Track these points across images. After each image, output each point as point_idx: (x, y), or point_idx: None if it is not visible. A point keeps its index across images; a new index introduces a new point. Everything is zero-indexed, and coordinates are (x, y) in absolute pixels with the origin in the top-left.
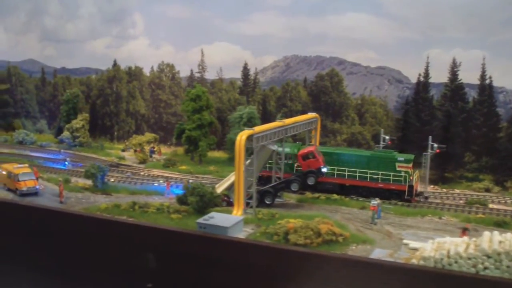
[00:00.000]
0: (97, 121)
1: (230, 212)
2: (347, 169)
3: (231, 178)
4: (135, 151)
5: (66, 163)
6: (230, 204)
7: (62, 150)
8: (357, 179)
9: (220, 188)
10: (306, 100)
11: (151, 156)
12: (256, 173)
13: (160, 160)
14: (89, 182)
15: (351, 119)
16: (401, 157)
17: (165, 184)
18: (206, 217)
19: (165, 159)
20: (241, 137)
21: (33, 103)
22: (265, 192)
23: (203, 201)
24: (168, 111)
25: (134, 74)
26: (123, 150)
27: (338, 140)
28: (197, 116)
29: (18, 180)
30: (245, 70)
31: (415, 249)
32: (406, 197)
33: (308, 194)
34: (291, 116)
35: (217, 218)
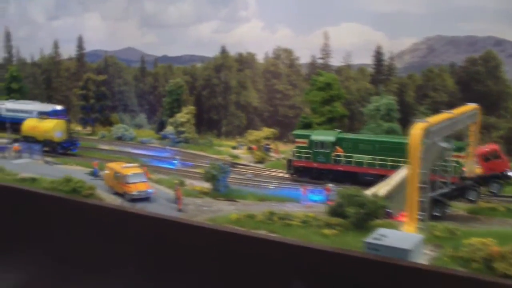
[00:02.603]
0: (203, 115)
1: (391, 226)
2: (389, 158)
3: (391, 182)
4: (250, 148)
5: (175, 162)
6: (389, 215)
7: (167, 147)
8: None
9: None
10: (453, 89)
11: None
12: (427, 177)
13: (280, 159)
14: (206, 185)
15: (511, 111)
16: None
17: (301, 189)
18: (376, 235)
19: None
20: (417, 130)
21: (132, 96)
22: (435, 201)
23: (364, 212)
24: (285, 103)
25: (245, 61)
26: (235, 148)
27: (493, 136)
28: (327, 108)
29: (128, 183)
30: (378, 54)
31: None
32: None
33: (482, 204)
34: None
35: (390, 236)
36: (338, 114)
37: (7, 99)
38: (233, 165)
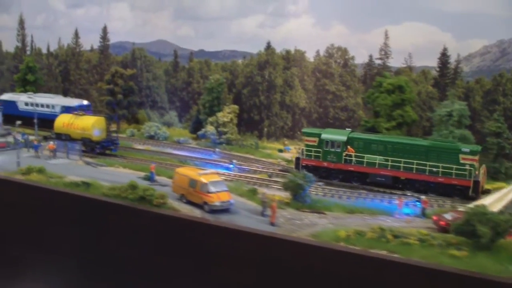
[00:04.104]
0: (242, 115)
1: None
2: (402, 160)
3: (505, 197)
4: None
5: (232, 166)
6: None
7: (217, 149)
8: (413, 171)
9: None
10: None
11: None
12: None
13: None
14: (283, 194)
15: None
16: (466, 148)
17: (396, 201)
18: None
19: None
20: None
21: (162, 91)
22: None
23: (495, 232)
24: (337, 105)
25: (293, 59)
26: (281, 151)
27: None
28: (398, 112)
29: (208, 192)
30: (444, 57)
31: None
32: (470, 194)
33: None
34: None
35: None
36: (410, 119)
37: (21, 91)
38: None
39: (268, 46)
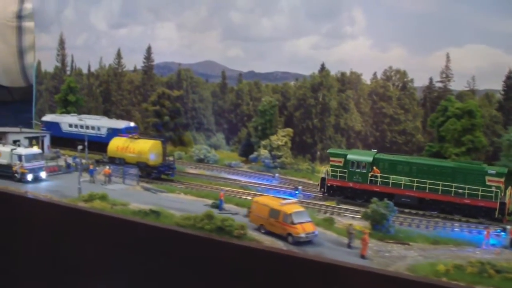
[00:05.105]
0: (294, 138)
1: None
2: (428, 181)
3: None
4: None
5: (297, 192)
6: None
7: (276, 175)
8: (439, 193)
9: None
10: None
11: None
12: None
13: None
14: (354, 222)
15: None
16: (492, 170)
17: (483, 232)
18: None
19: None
20: None
21: (208, 113)
22: None
23: None
24: (395, 128)
25: (348, 81)
26: None
27: None
28: (468, 137)
29: (293, 223)
30: (509, 80)
31: None
32: (496, 216)
33: None
34: None
35: None
36: (481, 145)
37: (62, 112)
38: None
39: (323, 68)
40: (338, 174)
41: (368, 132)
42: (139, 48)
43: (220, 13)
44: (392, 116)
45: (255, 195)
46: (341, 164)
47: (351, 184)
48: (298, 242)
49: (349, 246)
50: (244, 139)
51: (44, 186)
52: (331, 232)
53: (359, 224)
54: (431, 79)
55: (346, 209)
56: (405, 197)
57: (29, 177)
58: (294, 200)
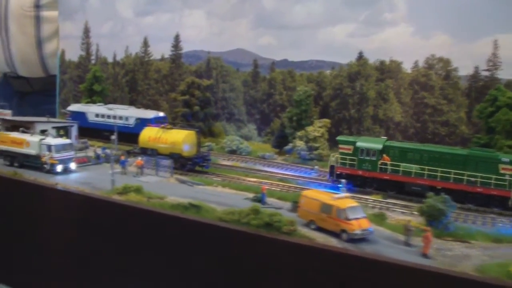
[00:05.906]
0: (330, 129)
1: None
2: (439, 169)
3: None
4: None
5: (340, 185)
6: None
7: (316, 167)
8: (451, 181)
9: None
10: None
11: None
12: None
13: None
14: (406, 218)
15: None
16: (505, 157)
17: None
18: None
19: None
20: None
21: (239, 103)
22: None
23: None
24: (437, 119)
25: (388, 70)
26: None
27: None
28: None
29: (348, 219)
30: None
31: None
32: (510, 204)
33: None
34: None
35: None
36: None
37: (87, 102)
38: None
39: (360, 56)
40: (348, 161)
41: (409, 123)
42: (166, 36)
43: (251, 0)
44: (435, 106)
45: (296, 188)
46: (351, 152)
47: (360, 172)
48: (353, 239)
49: (407, 243)
50: (278, 130)
51: (74, 177)
52: (383, 228)
53: (412, 219)
54: (476, 68)
55: (394, 204)
56: (416, 186)
57: (59, 168)
58: (346, 194)
